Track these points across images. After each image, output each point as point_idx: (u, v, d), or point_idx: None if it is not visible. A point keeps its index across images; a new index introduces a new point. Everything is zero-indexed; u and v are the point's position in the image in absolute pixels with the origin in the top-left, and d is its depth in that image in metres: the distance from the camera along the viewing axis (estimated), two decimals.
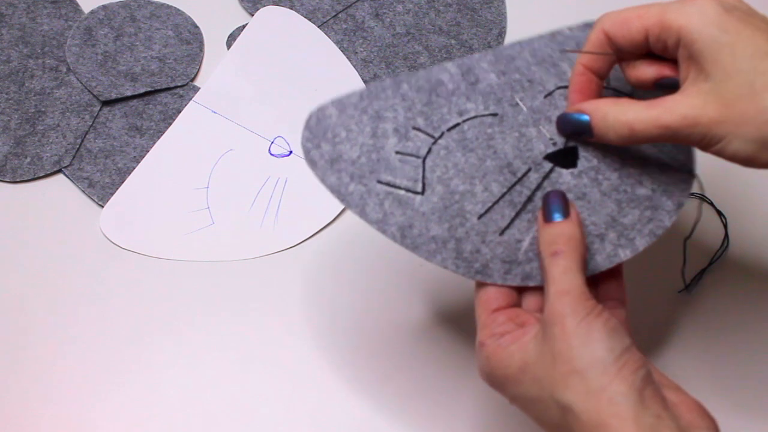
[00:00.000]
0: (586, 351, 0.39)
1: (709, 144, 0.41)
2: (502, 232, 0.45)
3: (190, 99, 0.64)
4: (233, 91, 0.65)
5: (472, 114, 0.46)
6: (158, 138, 0.63)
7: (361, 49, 0.67)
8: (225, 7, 0.69)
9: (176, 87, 0.65)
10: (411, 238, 0.44)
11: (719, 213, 0.61)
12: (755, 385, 0.56)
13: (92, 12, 0.67)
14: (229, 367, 0.56)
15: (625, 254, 0.45)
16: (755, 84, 0.39)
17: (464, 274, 0.45)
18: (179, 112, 0.64)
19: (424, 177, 0.45)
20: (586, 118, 0.44)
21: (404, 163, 0.45)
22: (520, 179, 0.45)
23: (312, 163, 0.45)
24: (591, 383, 0.38)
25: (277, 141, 0.63)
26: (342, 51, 0.67)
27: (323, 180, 0.45)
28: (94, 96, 0.64)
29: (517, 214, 0.45)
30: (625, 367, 0.39)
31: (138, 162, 0.62)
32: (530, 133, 0.46)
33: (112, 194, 0.61)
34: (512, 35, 0.69)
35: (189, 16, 0.68)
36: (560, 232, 0.43)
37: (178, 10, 0.68)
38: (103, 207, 0.61)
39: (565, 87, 0.47)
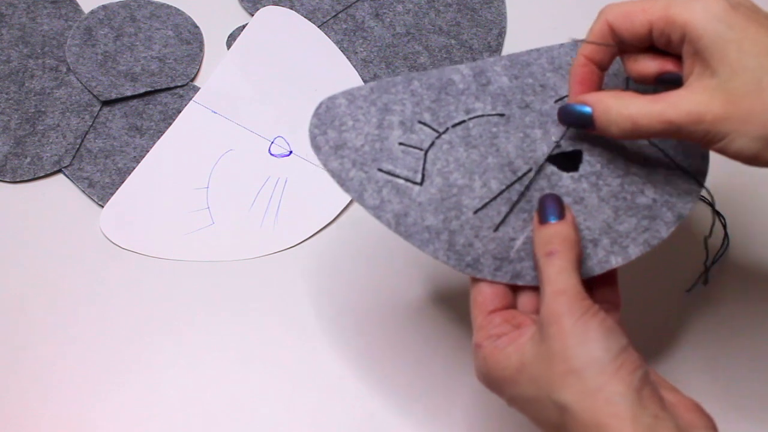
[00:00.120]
0: (583, 350, 0.39)
1: (712, 141, 0.41)
2: (496, 229, 0.45)
3: (190, 99, 0.64)
4: (233, 91, 0.65)
5: (479, 113, 0.47)
6: (158, 138, 0.63)
7: (361, 49, 0.67)
8: (225, 7, 0.69)
9: (176, 87, 0.65)
10: (405, 226, 0.45)
11: (718, 213, 0.61)
12: (757, 386, 0.56)
13: (92, 12, 0.67)
14: (229, 367, 0.56)
15: (617, 261, 0.46)
16: (762, 82, 0.39)
17: (455, 266, 0.45)
18: (179, 112, 0.64)
19: (424, 168, 0.46)
20: (588, 110, 0.43)
21: (406, 153, 0.46)
22: (519, 178, 0.46)
23: (316, 147, 0.46)
24: (588, 383, 0.38)
25: (277, 141, 0.63)
26: (342, 51, 0.67)
27: (326, 164, 0.45)
28: (94, 96, 0.64)
29: (511, 210, 0.45)
30: (623, 367, 0.39)
31: (138, 162, 0.62)
32: (535, 135, 0.46)
33: (112, 194, 0.61)
34: (512, 35, 0.69)
35: (189, 16, 0.68)
36: (555, 232, 0.43)
37: (178, 10, 0.68)
38: (103, 207, 0.61)
39: None
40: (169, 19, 0.67)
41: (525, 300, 0.45)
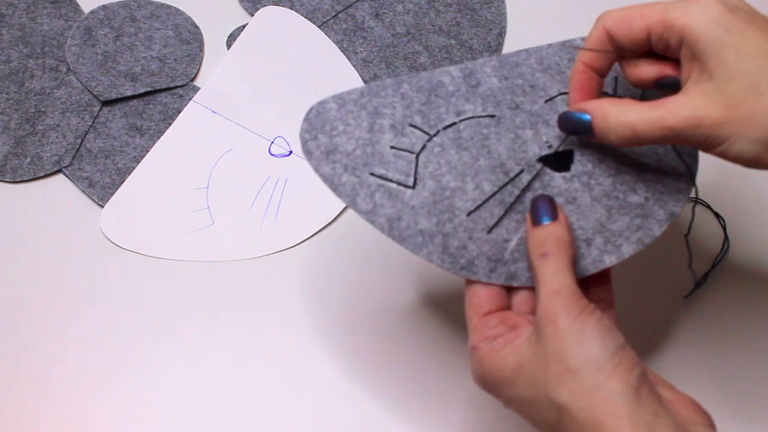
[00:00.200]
0: (580, 350, 0.39)
1: (712, 145, 0.41)
2: (489, 231, 0.45)
3: (190, 99, 0.64)
4: (233, 91, 0.65)
5: (470, 115, 0.47)
6: (158, 138, 0.63)
7: (361, 49, 0.67)
8: (225, 7, 0.69)
9: (176, 87, 0.65)
10: (399, 230, 0.45)
11: (717, 216, 0.61)
12: (758, 388, 0.56)
13: (92, 12, 0.67)
14: (229, 367, 0.56)
15: (610, 260, 0.45)
16: (760, 85, 0.39)
17: (449, 269, 0.45)
18: (179, 112, 0.64)
19: (416, 172, 0.45)
20: (587, 117, 0.44)
21: (398, 157, 0.46)
22: (512, 179, 0.46)
23: (308, 153, 0.45)
24: (586, 382, 0.38)
25: (277, 141, 0.63)
26: (342, 51, 0.67)
27: (317, 169, 0.45)
28: (94, 96, 0.64)
29: (506, 213, 0.45)
30: (621, 366, 0.39)
31: (138, 162, 0.62)
32: (526, 135, 0.46)
33: (112, 194, 0.61)
34: (512, 35, 0.69)
35: (189, 16, 0.68)
36: (549, 233, 0.43)
37: (178, 10, 0.68)
38: (103, 207, 0.61)
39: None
40: (169, 19, 0.67)
41: (520, 301, 0.45)
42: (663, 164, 0.47)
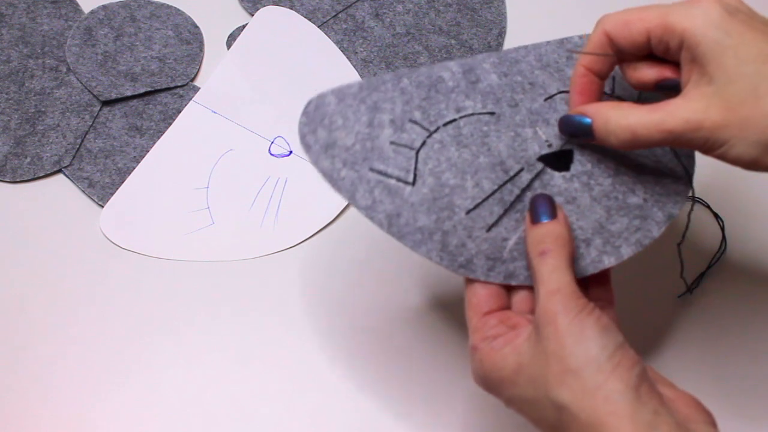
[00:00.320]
0: (579, 349, 0.39)
1: (711, 148, 0.41)
2: (489, 229, 0.45)
3: (190, 99, 0.64)
4: (233, 91, 0.65)
5: (470, 111, 0.46)
6: (158, 138, 0.63)
7: (361, 49, 0.67)
8: (225, 7, 0.69)
9: (176, 87, 0.65)
10: (398, 227, 0.44)
11: (716, 215, 0.61)
12: (756, 388, 0.56)
13: (92, 12, 0.67)
14: (229, 367, 0.56)
15: (609, 261, 0.45)
16: (759, 88, 0.39)
17: (448, 266, 0.45)
18: (179, 112, 0.64)
19: (415, 168, 0.45)
20: (587, 120, 0.44)
21: (397, 153, 0.45)
22: (511, 178, 0.45)
23: (306, 147, 0.45)
24: (586, 382, 0.38)
25: (277, 141, 0.63)
26: (342, 51, 0.67)
27: (316, 164, 0.45)
28: (94, 96, 0.64)
29: (505, 212, 0.45)
30: (620, 365, 0.39)
31: (138, 162, 0.62)
32: (526, 134, 0.46)
33: (112, 194, 0.61)
34: (512, 35, 0.69)
35: (189, 16, 0.68)
36: (547, 231, 0.43)
37: (178, 10, 0.68)
38: (103, 207, 0.61)
39: (567, 91, 0.47)
40: (169, 19, 0.67)
41: (519, 300, 0.45)
42: (661, 165, 0.47)
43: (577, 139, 0.46)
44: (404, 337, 0.57)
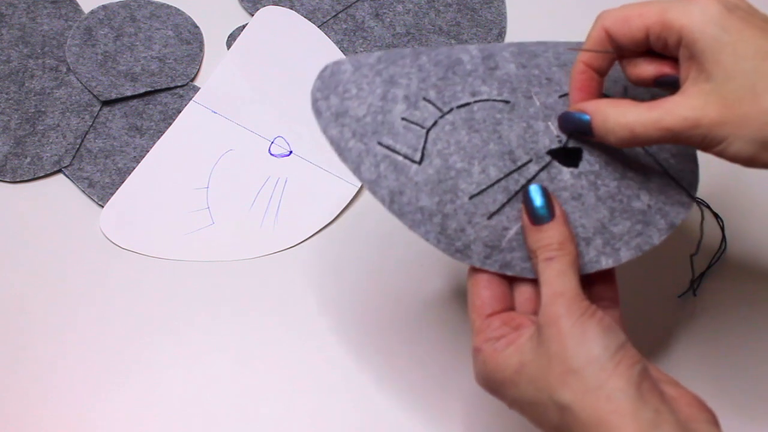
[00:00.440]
0: (581, 350, 0.39)
1: (710, 145, 0.41)
2: (490, 217, 0.44)
3: (190, 99, 0.64)
4: (233, 91, 0.65)
5: (485, 97, 0.46)
6: (158, 138, 0.63)
7: (361, 49, 0.67)
8: (225, 7, 0.69)
9: (176, 87, 0.65)
10: (399, 205, 0.44)
11: (715, 215, 0.61)
12: (758, 387, 0.56)
13: (92, 12, 0.67)
14: (229, 367, 0.56)
15: (607, 262, 0.45)
16: (757, 85, 0.39)
17: (444, 250, 0.44)
18: (179, 112, 0.64)
19: (424, 147, 0.45)
20: (586, 118, 0.44)
21: (408, 130, 0.45)
22: (519, 168, 0.45)
23: (317, 112, 0.45)
24: (588, 381, 0.38)
25: (277, 141, 0.63)
26: (342, 51, 0.67)
27: (325, 131, 0.45)
28: (94, 96, 0.64)
29: (509, 201, 0.45)
30: (622, 363, 0.39)
31: (138, 162, 0.62)
32: (538, 127, 0.46)
33: (112, 194, 0.61)
34: (512, 35, 0.69)
35: (189, 16, 0.68)
36: (551, 236, 0.43)
37: (178, 10, 0.68)
38: (103, 207, 0.61)
39: None
40: (169, 19, 0.67)
41: (524, 302, 0.45)
42: (668, 176, 0.47)
43: (577, 135, 0.46)
44: (405, 336, 0.57)
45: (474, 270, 0.45)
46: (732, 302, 0.59)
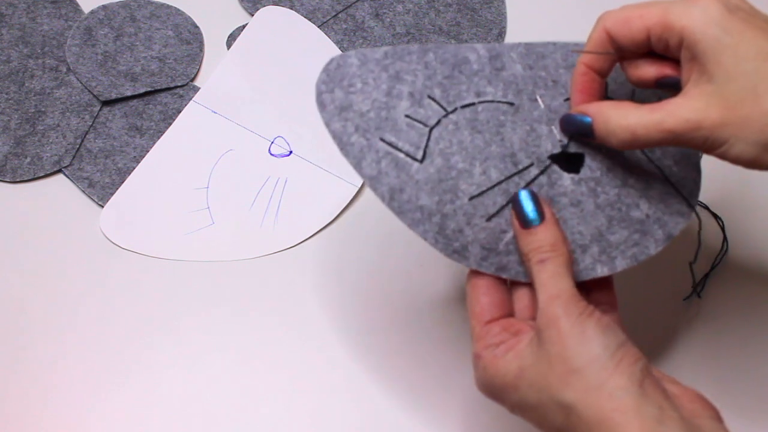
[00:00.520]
0: (582, 350, 0.39)
1: (712, 147, 0.41)
2: (489, 219, 0.45)
3: (190, 99, 0.64)
4: (233, 91, 0.65)
5: (490, 98, 0.46)
6: (158, 138, 0.63)
7: None
8: (225, 7, 0.69)
9: (176, 87, 0.65)
10: (399, 202, 0.44)
11: (715, 216, 0.61)
12: (760, 388, 0.56)
13: (92, 12, 0.67)
14: (229, 367, 0.56)
15: (602, 270, 0.45)
16: (758, 87, 0.39)
17: (442, 250, 0.44)
18: (179, 112, 0.64)
19: (426, 146, 0.45)
20: (588, 120, 0.44)
21: (411, 127, 0.45)
22: (520, 171, 0.45)
23: (321, 105, 0.45)
24: (590, 380, 0.38)
25: (277, 141, 0.63)
26: (342, 51, 0.67)
27: (328, 124, 0.45)
28: (94, 96, 0.64)
29: (507, 204, 0.45)
30: (623, 361, 0.39)
31: (138, 162, 0.62)
32: (541, 130, 0.46)
33: (112, 194, 0.61)
34: (512, 35, 0.69)
35: (189, 16, 0.68)
36: (543, 239, 0.43)
37: (178, 10, 0.68)
38: (103, 207, 0.61)
39: None
40: (169, 19, 0.67)
41: (523, 308, 0.45)
42: (669, 186, 0.47)
43: (578, 137, 0.46)
44: (405, 336, 0.57)
45: (473, 275, 0.45)
46: (736, 303, 0.59)
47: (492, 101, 0.46)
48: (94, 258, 0.59)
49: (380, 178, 0.44)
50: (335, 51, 0.67)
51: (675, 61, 0.43)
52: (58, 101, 0.64)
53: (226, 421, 0.54)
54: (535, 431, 0.42)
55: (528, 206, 0.44)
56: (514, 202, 0.44)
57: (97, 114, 0.64)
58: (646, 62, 0.44)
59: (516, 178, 0.45)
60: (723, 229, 0.60)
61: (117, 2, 0.68)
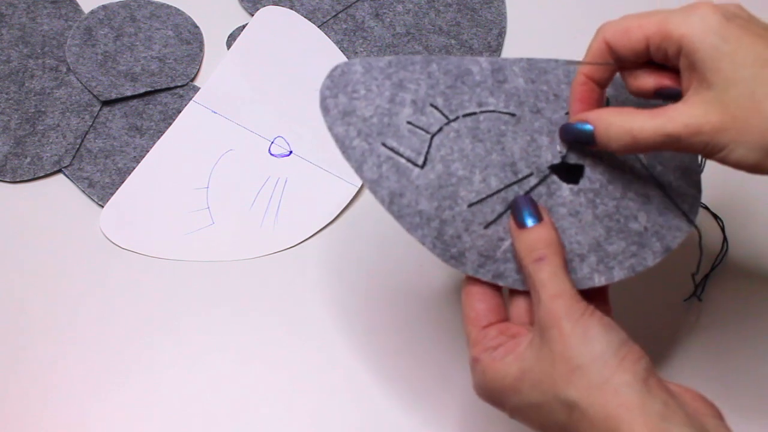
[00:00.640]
0: (585, 348, 0.39)
1: (712, 152, 0.41)
2: (487, 226, 0.45)
3: (190, 99, 0.64)
4: (233, 91, 0.65)
5: (491, 108, 0.47)
6: (158, 138, 0.63)
7: (361, 49, 0.67)
8: (225, 7, 0.69)
9: (176, 87, 0.65)
10: (398, 206, 0.44)
11: (715, 216, 0.61)
12: (761, 389, 0.56)
13: (92, 12, 0.67)
14: (229, 367, 0.56)
15: (599, 280, 0.45)
16: (756, 92, 0.39)
17: (439, 255, 0.45)
18: (179, 112, 0.64)
19: (427, 152, 0.45)
20: (589, 127, 0.44)
21: (413, 134, 0.45)
22: (519, 180, 0.46)
23: (325, 109, 0.45)
24: (593, 378, 0.38)
25: (277, 141, 0.63)
26: (342, 51, 0.67)
27: (331, 128, 0.45)
28: (94, 96, 0.64)
29: (506, 212, 0.45)
30: (626, 359, 0.39)
31: (138, 162, 0.62)
32: (542, 141, 0.47)
33: (112, 194, 0.61)
34: (512, 35, 0.69)
35: (189, 16, 0.68)
36: (539, 237, 0.43)
37: (178, 10, 0.68)
38: (103, 207, 0.61)
39: None
40: (169, 19, 0.67)
41: (519, 314, 0.45)
42: (668, 200, 0.47)
43: (579, 145, 0.46)
44: (405, 336, 0.57)
45: (468, 283, 0.45)
46: (736, 303, 0.59)
47: (494, 111, 0.47)
48: (94, 258, 0.59)
49: (381, 181, 0.45)
50: (335, 51, 0.67)
51: (674, 71, 0.43)
52: (58, 101, 0.64)
53: (226, 421, 0.54)
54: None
55: (526, 207, 0.44)
56: (513, 204, 0.44)
57: (97, 114, 0.64)
58: (646, 72, 0.44)
59: (515, 187, 0.45)
60: (723, 229, 0.60)
61: (117, 2, 0.68)
